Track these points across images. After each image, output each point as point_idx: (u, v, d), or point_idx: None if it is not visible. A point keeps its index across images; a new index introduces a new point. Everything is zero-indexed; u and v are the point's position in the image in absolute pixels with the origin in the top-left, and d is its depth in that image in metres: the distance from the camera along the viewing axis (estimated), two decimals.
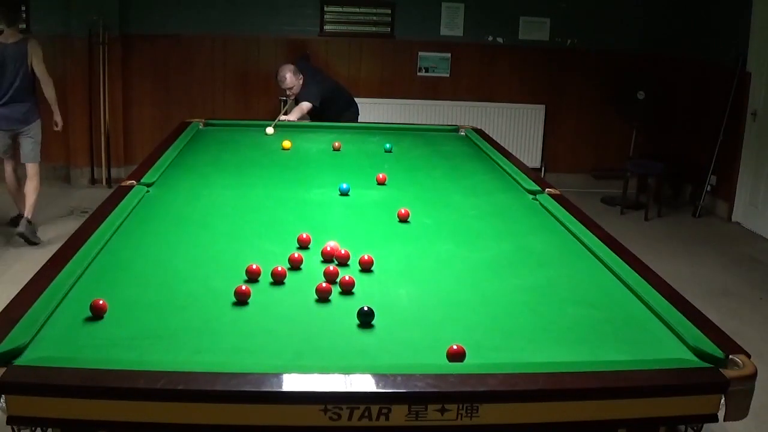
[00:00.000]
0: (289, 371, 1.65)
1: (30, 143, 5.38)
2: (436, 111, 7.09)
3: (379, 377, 1.64)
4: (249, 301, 2.10)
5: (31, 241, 5.20)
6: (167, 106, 6.94)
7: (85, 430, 1.66)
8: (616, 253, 2.51)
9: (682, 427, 1.79)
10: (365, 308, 2.00)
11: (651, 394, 1.68)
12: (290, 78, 5.46)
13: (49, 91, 5.41)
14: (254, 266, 2.26)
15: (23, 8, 6.22)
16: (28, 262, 4.59)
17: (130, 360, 1.72)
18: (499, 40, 7.16)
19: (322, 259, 2.44)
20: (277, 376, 1.63)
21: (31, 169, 5.40)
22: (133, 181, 3.22)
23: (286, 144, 4.24)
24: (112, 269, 2.32)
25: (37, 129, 5.42)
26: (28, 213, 5.27)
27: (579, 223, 2.85)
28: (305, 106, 5.41)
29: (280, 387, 1.61)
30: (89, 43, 6.56)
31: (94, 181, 6.88)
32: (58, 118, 5.52)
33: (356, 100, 5.98)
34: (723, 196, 6.54)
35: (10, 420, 1.58)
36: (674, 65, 7.14)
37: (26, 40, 5.31)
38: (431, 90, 7.16)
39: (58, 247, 2.40)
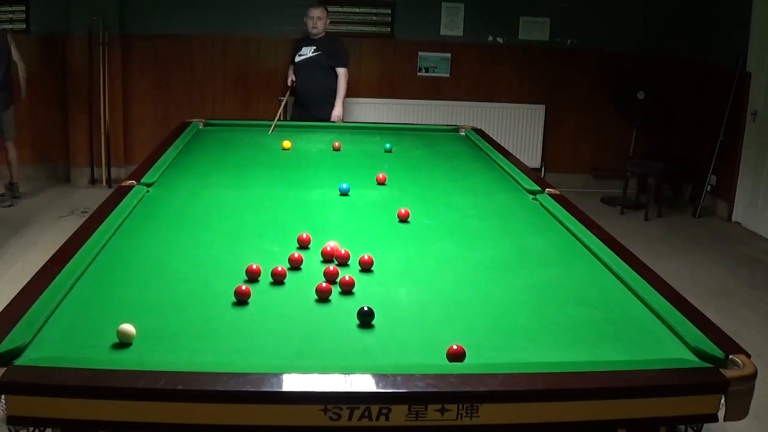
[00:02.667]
0: (289, 371, 1.65)
1: (10, 123, 6.14)
2: (436, 111, 7.09)
3: (379, 377, 1.64)
4: (249, 301, 2.10)
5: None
6: (167, 105, 6.94)
7: (85, 430, 1.66)
8: (616, 253, 2.51)
9: (682, 427, 1.79)
10: (365, 308, 2.00)
11: (651, 394, 1.68)
12: (322, 11, 5.71)
13: (22, 74, 6.12)
14: (254, 266, 2.26)
15: None
16: (28, 262, 4.59)
17: (131, 360, 1.72)
18: (499, 40, 7.16)
19: (322, 259, 2.44)
20: (277, 376, 1.63)
21: (11, 144, 6.21)
22: (133, 181, 3.22)
23: (286, 144, 4.24)
24: (112, 269, 2.32)
25: (11, 110, 6.19)
26: (16, 178, 6.27)
27: (579, 223, 2.85)
28: (342, 73, 5.74)
29: (280, 387, 1.61)
30: (89, 42, 6.56)
31: (94, 181, 6.88)
32: (24, 94, 6.21)
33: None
34: (723, 196, 6.54)
35: (10, 420, 1.58)
36: (674, 65, 7.14)
37: (5, 32, 6.05)
38: (431, 90, 7.16)
39: (58, 247, 2.40)
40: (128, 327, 1.82)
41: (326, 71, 5.78)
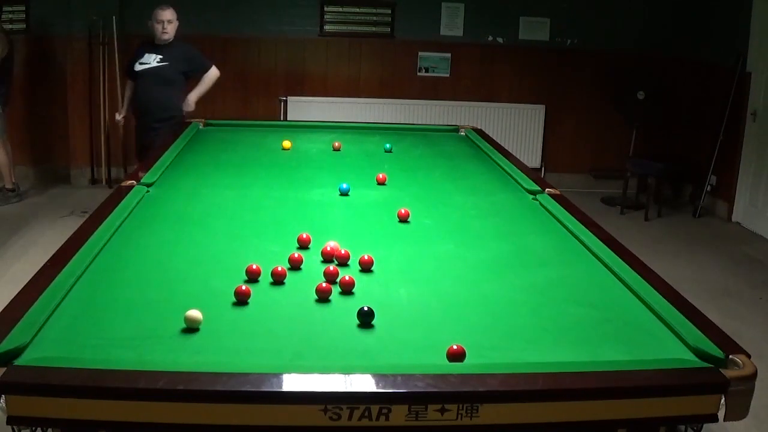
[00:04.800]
0: (289, 371, 1.65)
1: (4, 122, 6.17)
2: (436, 111, 7.09)
3: (379, 377, 1.64)
4: (249, 301, 2.10)
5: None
6: None
7: (85, 430, 1.66)
8: (616, 253, 2.51)
9: (682, 427, 1.79)
10: (365, 308, 2.00)
11: (651, 394, 1.68)
12: (172, 12, 5.06)
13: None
14: (254, 266, 2.26)
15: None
16: (28, 262, 4.59)
17: (130, 360, 1.72)
18: (499, 40, 7.16)
19: (322, 259, 2.44)
20: (277, 376, 1.63)
21: (2, 144, 6.23)
22: (133, 181, 3.22)
23: (286, 144, 4.24)
24: (112, 269, 2.32)
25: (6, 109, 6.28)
26: (8, 183, 6.24)
27: (579, 223, 2.84)
28: (215, 73, 5.41)
29: (280, 387, 1.61)
30: (89, 43, 6.56)
31: (94, 181, 6.88)
32: None
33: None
34: (723, 196, 6.54)
35: (10, 420, 1.58)
36: (674, 65, 7.14)
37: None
38: (431, 90, 7.16)
39: (58, 247, 2.40)
40: (196, 313, 1.90)
41: (173, 83, 5.15)
